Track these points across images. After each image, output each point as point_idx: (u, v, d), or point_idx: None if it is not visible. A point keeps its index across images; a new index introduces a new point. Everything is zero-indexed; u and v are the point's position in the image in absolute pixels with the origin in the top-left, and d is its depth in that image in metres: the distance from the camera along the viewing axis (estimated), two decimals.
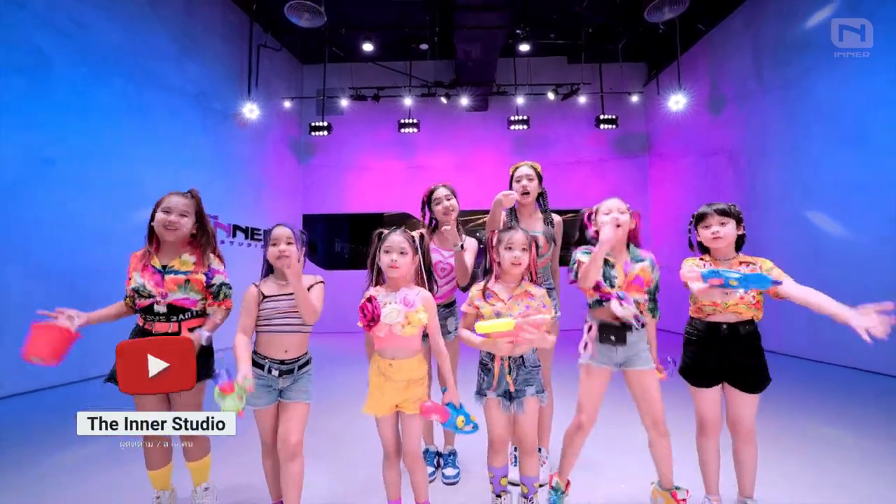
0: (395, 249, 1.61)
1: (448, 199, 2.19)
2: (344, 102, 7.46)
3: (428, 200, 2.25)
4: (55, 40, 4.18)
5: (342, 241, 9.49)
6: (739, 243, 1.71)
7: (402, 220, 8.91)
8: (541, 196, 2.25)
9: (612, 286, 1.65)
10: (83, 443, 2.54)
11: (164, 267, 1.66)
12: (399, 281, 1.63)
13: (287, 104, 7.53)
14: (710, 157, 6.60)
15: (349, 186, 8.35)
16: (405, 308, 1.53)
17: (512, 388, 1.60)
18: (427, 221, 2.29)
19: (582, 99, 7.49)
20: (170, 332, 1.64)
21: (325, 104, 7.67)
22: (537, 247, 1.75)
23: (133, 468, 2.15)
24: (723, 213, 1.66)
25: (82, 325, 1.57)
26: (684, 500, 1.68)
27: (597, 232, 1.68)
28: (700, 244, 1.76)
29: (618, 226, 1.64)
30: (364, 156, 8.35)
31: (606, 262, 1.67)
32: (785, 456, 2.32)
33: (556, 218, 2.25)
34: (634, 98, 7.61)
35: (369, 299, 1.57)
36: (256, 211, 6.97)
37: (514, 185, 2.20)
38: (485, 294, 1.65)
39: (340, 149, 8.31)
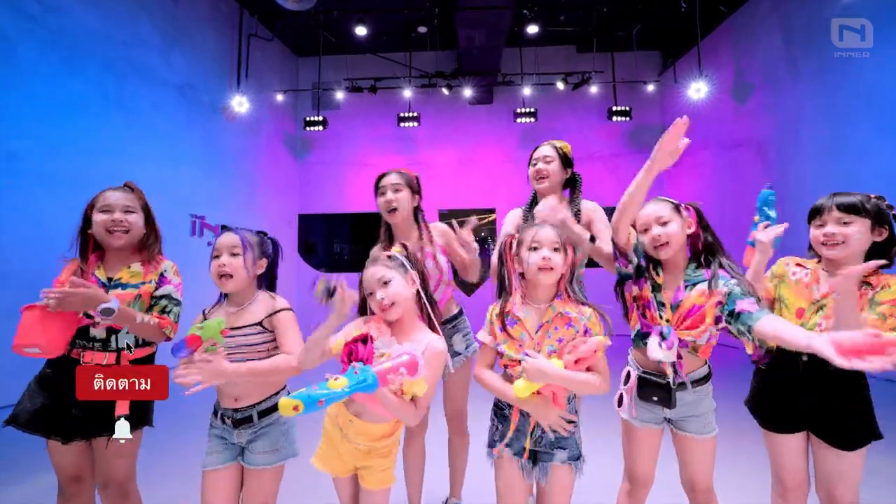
0: (377, 286, 1.16)
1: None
2: (340, 95, 7.06)
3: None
4: (20, 24, 3.81)
5: (341, 242, 9.10)
6: (883, 251, 1.21)
7: None
8: (573, 185, 1.79)
9: (660, 316, 1.20)
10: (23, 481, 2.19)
11: (109, 280, 1.32)
12: (403, 322, 1.19)
13: (280, 97, 7.14)
14: (733, 148, 6.11)
15: (348, 184, 7.96)
16: (397, 375, 1.05)
17: (527, 447, 1.16)
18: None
19: (593, 89, 7.01)
20: (104, 364, 1.28)
21: (320, 97, 7.27)
22: (574, 249, 1.24)
23: None
24: (848, 208, 1.17)
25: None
26: None
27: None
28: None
29: (664, 244, 1.19)
30: (362, 151, 7.94)
31: (653, 283, 1.22)
32: None
33: (588, 205, 1.74)
34: (650, 87, 7.12)
35: (364, 339, 1.10)
36: (249, 211, 6.59)
37: (530, 168, 1.77)
38: (504, 318, 1.19)
39: (338, 144, 7.92)
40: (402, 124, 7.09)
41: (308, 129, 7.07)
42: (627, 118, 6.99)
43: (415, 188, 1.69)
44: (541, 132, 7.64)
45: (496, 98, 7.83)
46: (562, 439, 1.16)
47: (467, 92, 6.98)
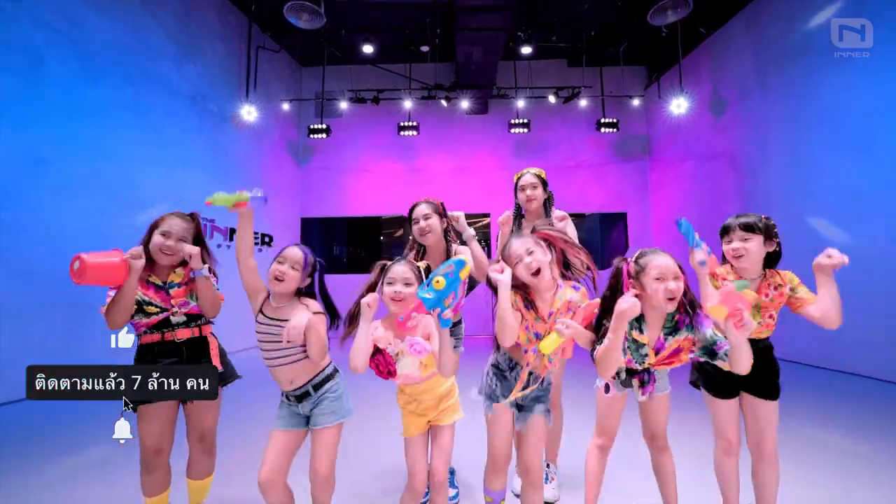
0: (399, 280, 1.46)
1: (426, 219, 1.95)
2: (343, 105, 7.39)
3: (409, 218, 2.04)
4: (48, 38, 4.09)
5: (340, 245, 9.40)
6: (772, 260, 1.58)
7: (400, 223, 8.83)
8: (547, 201, 2.17)
9: (640, 363, 1.46)
10: (67, 454, 2.50)
11: (164, 283, 1.61)
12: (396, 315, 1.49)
13: (285, 106, 7.45)
14: (711, 160, 6.55)
15: (348, 189, 8.27)
16: (418, 356, 1.40)
17: (514, 397, 1.45)
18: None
19: (583, 102, 7.45)
20: (193, 336, 1.61)
21: (323, 106, 7.60)
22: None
23: (124, 489, 2.05)
24: (747, 227, 1.51)
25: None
26: None
27: (638, 297, 1.34)
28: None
29: (674, 298, 1.33)
30: (363, 158, 8.27)
31: (635, 340, 1.42)
32: (799, 468, 2.23)
33: (557, 213, 2.11)
34: (635, 101, 7.57)
35: (381, 352, 1.41)
36: (254, 214, 6.84)
37: (519, 193, 2.14)
38: (525, 301, 1.42)
39: (339, 151, 8.24)
40: (401, 133, 7.43)
41: (312, 136, 7.38)
42: (615, 130, 7.42)
43: (441, 213, 2.01)
44: (533, 142, 8.05)
45: (491, 109, 8.22)
46: (543, 395, 1.51)
47: (464, 103, 7.36)
